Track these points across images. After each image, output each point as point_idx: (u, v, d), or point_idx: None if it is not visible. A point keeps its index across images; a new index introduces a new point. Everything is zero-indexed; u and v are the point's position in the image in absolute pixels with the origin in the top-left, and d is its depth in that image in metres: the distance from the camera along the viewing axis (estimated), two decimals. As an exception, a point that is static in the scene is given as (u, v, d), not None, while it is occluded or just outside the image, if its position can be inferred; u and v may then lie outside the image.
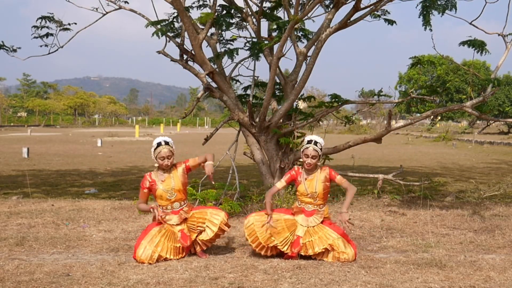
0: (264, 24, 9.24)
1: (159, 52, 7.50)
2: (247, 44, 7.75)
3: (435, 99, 8.18)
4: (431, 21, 6.90)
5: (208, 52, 7.55)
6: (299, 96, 7.89)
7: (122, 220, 6.45)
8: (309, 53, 7.66)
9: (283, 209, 5.12)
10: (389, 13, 7.90)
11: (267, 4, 8.10)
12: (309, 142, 4.78)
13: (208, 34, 7.52)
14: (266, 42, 7.57)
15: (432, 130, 43.76)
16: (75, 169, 13.76)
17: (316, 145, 4.75)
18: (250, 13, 7.96)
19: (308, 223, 4.77)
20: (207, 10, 7.74)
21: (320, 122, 8.37)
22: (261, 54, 7.30)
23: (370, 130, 43.32)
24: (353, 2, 7.48)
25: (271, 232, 4.64)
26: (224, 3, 7.90)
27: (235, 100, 7.62)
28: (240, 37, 8.16)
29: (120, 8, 8.04)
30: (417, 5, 6.97)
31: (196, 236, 4.76)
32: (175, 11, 7.32)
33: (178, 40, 7.65)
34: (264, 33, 8.10)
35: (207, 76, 7.41)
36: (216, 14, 7.42)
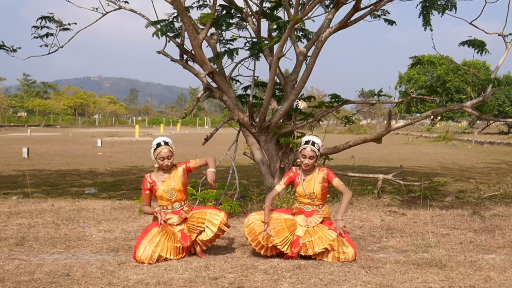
0: (264, 24, 9.25)
1: (159, 52, 7.50)
2: (247, 44, 7.75)
3: (435, 99, 8.18)
4: (431, 21, 6.90)
5: (208, 52, 7.57)
6: (299, 96, 7.89)
7: (122, 220, 6.45)
8: (309, 53, 7.66)
9: (283, 209, 5.12)
10: (389, 13, 7.90)
11: (267, 4, 8.10)
12: (307, 142, 4.79)
13: (208, 34, 7.52)
14: (266, 42, 7.57)
15: (432, 130, 43.76)
16: (75, 169, 13.76)
17: (314, 146, 4.76)
18: (250, 13, 7.96)
19: (307, 223, 4.77)
20: (207, 10, 7.74)
21: (320, 122, 8.36)
22: (261, 54, 7.30)
23: (370, 130, 43.32)
24: (353, 2, 7.48)
25: (271, 231, 4.65)
26: (224, 3, 7.90)
27: (235, 100, 7.62)
28: (240, 37, 8.16)
29: (120, 8, 8.04)
30: (417, 5, 6.97)
31: (196, 236, 4.77)
32: (175, 11, 7.33)
33: (178, 40, 7.65)
34: (264, 33, 8.10)
35: (207, 76, 7.41)
36: (216, 14, 7.42)
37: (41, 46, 8.01)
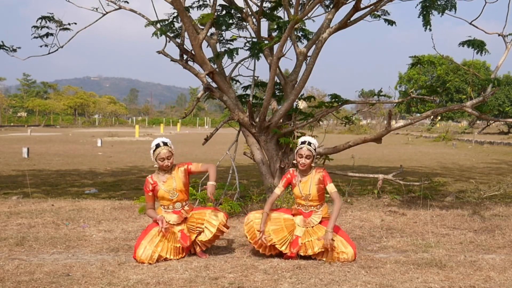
0: (264, 24, 9.25)
1: (159, 52, 7.50)
2: (247, 44, 7.75)
3: (435, 99, 8.18)
4: (431, 21, 6.90)
5: (208, 52, 7.56)
6: (299, 96, 7.89)
7: (122, 220, 6.45)
8: (309, 53, 7.66)
9: (284, 209, 5.13)
10: (389, 13, 7.91)
11: (267, 4, 8.10)
12: (303, 143, 4.84)
13: (208, 34, 7.52)
14: (266, 42, 7.57)
15: (432, 130, 43.75)
16: (75, 169, 13.77)
17: (310, 146, 4.78)
18: (250, 13, 7.96)
19: (306, 224, 4.78)
20: (207, 10, 7.74)
21: (320, 122, 8.36)
22: (261, 54, 7.30)
23: (370, 130, 43.33)
24: (353, 2, 7.48)
25: (270, 230, 4.65)
26: (224, 3, 7.90)
27: (235, 100, 7.62)
28: (240, 37, 8.16)
29: (120, 8, 8.04)
30: (417, 5, 6.97)
31: (196, 237, 4.77)
32: (175, 11, 7.32)
33: (178, 40, 7.65)
34: (264, 33, 8.10)
35: (207, 76, 7.41)
36: (216, 14, 7.42)
37: (41, 46, 8.01)
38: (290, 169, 5.04)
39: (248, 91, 8.21)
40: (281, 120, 7.56)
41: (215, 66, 7.65)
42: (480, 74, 11.88)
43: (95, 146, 24.28)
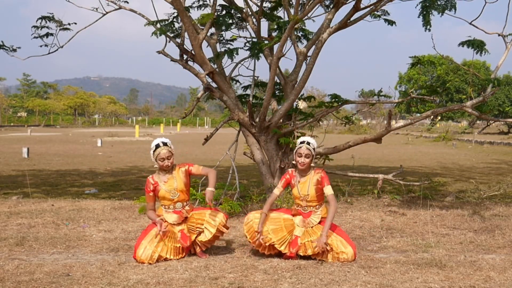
0: (264, 24, 9.25)
1: (159, 52, 7.50)
2: (247, 44, 7.75)
3: (435, 99, 8.18)
4: (431, 21, 6.90)
5: (208, 52, 7.57)
6: (299, 96, 7.89)
7: (122, 220, 6.45)
8: (309, 53, 7.66)
9: (284, 209, 5.13)
10: (388, 13, 7.91)
11: (267, 4, 8.10)
12: (302, 142, 4.85)
13: (208, 34, 7.52)
14: (266, 42, 7.57)
15: (432, 130, 43.76)
16: (75, 169, 13.77)
17: (309, 145, 4.79)
18: (250, 13, 7.96)
19: (306, 224, 4.78)
20: (207, 10, 7.74)
21: (320, 122, 8.37)
22: (261, 54, 7.30)
23: (370, 130, 43.33)
24: (353, 2, 7.48)
25: (269, 230, 4.66)
26: (224, 3, 7.90)
27: (235, 100, 7.62)
28: (240, 37, 8.16)
29: (120, 8, 8.03)
30: (417, 5, 6.98)
31: (196, 237, 4.77)
32: (175, 11, 7.33)
33: (178, 40, 7.65)
34: (264, 33, 8.10)
35: (207, 76, 7.41)
36: (216, 14, 7.42)
37: (41, 46, 8.01)
38: (289, 169, 5.05)
39: (248, 91, 8.21)
40: (281, 120, 7.56)
41: (215, 66, 7.65)
42: (480, 74, 11.88)
43: (95, 146, 24.28)
